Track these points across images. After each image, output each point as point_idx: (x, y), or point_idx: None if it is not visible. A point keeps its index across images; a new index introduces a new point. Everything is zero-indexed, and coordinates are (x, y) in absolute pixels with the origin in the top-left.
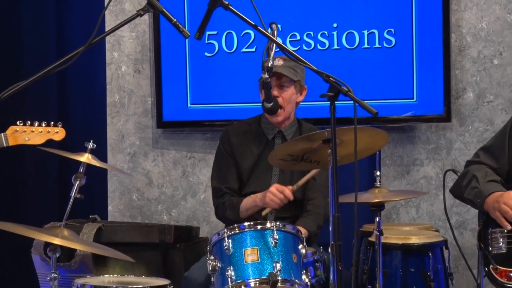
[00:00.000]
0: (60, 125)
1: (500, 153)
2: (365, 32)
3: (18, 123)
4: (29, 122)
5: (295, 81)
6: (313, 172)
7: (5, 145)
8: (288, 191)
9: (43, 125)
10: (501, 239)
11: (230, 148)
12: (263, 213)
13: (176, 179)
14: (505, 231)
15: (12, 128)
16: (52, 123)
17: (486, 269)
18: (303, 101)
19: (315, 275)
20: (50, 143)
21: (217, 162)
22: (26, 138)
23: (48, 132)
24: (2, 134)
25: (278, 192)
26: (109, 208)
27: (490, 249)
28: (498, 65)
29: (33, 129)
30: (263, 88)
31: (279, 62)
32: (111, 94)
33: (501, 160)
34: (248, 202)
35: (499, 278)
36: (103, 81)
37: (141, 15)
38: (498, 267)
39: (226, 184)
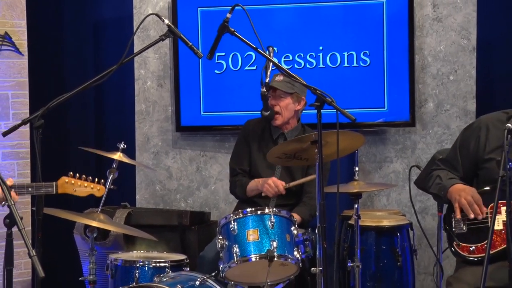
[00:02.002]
0: (102, 183)
1: (456, 164)
2: (345, 54)
3: (69, 174)
4: (78, 175)
5: (291, 93)
6: (307, 178)
7: (54, 193)
8: (281, 187)
9: (89, 181)
10: (462, 222)
11: (248, 138)
12: (263, 194)
13: (192, 173)
14: (465, 215)
15: (63, 179)
16: (96, 179)
17: (451, 245)
18: None
19: (305, 252)
20: (89, 143)
21: (236, 147)
22: (73, 190)
23: (92, 188)
24: (54, 183)
25: (274, 186)
26: (137, 196)
27: (454, 229)
28: (453, 80)
29: (80, 183)
30: (262, 99)
31: (279, 77)
32: (138, 104)
33: (458, 169)
34: (253, 185)
35: (462, 252)
36: (132, 93)
37: (163, 40)
38: (461, 243)
39: (240, 166)
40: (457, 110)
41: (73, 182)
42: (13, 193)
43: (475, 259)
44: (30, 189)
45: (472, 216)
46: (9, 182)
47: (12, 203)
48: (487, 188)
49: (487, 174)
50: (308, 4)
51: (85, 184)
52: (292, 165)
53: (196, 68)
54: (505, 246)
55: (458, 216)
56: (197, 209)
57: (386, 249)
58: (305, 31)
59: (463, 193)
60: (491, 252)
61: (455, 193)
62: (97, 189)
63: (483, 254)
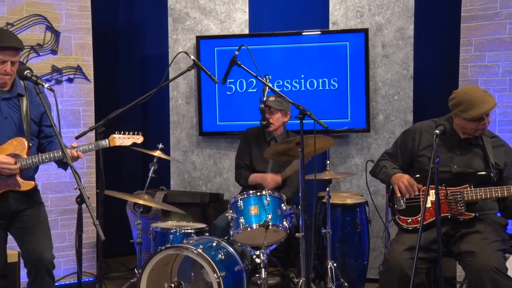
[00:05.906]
0: (140, 134)
1: (397, 157)
2: (320, 80)
3: (116, 132)
4: (122, 132)
5: (281, 110)
6: (293, 163)
7: (108, 146)
8: (279, 180)
9: (131, 133)
10: (401, 201)
11: (248, 140)
12: (266, 189)
13: (210, 166)
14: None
15: (112, 136)
16: (136, 132)
17: (393, 218)
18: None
19: (291, 222)
20: (135, 144)
21: (240, 147)
22: (120, 142)
23: (133, 138)
24: (107, 139)
25: (273, 182)
26: (171, 182)
27: (396, 206)
28: (397, 99)
29: (124, 137)
30: (261, 113)
31: (272, 98)
32: (172, 116)
33: (398, 160)
34: (252, 179)
35: (401, 223)
36: (168, 108)
37: (189, 70)
38: (401, 217)
39: (243, 161)
40: (399, 121)
41: (119, 136)
42: (78, 152)
43: (411, 228)
44: (90, 146)
45: (407, 196)
46: (74, 144)
47: (82, 187)
48: (418, 176)
49: (420, 166)
50: (293, 45)
51: (128, 137)
52: (281, 160)
53: (213, 90)
54: (433, 219)
55: (398, 194)
56: (214, 191)
57: (349, 220)
58: (291, 63)
59: (401, 179)
60: (424, 223)
61: (395, 179)
62: (137, 138)
63: (417, 225)
